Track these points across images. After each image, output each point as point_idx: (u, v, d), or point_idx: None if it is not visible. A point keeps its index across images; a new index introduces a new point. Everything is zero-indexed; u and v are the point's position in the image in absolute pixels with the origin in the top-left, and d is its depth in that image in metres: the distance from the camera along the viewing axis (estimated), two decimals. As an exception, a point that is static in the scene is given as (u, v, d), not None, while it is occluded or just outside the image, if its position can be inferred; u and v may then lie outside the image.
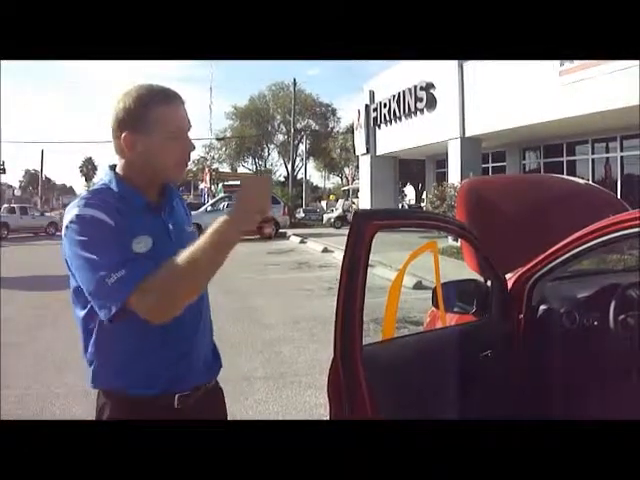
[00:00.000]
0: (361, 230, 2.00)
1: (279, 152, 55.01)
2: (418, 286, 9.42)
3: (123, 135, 1.63)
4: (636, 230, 2.18)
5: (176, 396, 1.68)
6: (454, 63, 18.63)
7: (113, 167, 1.72)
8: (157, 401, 1.65)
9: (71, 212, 1.58)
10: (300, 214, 35.34)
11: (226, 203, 24.99)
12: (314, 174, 78.84)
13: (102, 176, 1.76)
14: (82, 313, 1.64)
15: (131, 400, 1.65)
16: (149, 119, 1.61)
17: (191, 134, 1.70)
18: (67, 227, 1.57)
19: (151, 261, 1.54)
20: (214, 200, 27.82)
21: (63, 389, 5.05)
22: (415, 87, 21.18)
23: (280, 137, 54.39)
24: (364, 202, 26.76)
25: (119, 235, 1.55)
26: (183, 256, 1.48)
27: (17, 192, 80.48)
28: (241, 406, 4.67)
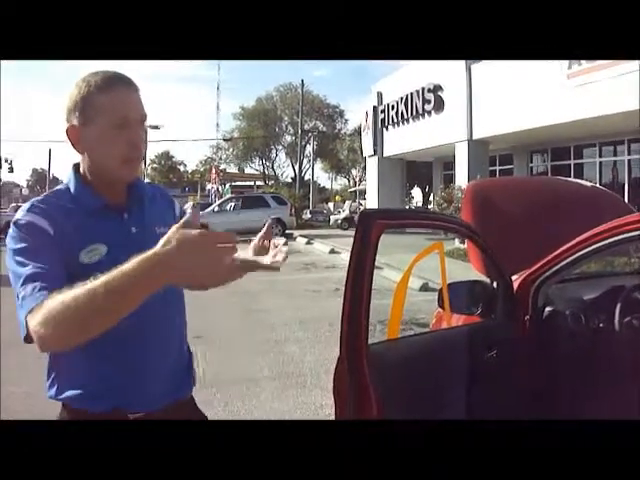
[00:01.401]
0: (367, 229, 2.00)
1: (286, 153, 55.14)
2: (425, 288, 9.43)
3: (67, 127, 1.51)
4: (642, 232, 2.19)
5: (129, 416, 1.54)
6: (462, 65, 18.61)
7: (76, 165, 1.58)
8: (109, 417, 1.50)
9: (15, 216, 1.48)
10: (307, 215, 35.35)
11: (233, 204, 25.03)
12: (321, 175, 79.09)
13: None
14: None
15: (77, 413, 1.53)
16: (91, 108, 1.47)
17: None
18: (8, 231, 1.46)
19: (60, 280, 1.31)
20: (221, 200, 27.92)
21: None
22: (423, 89, 21.17)
23: (287, 138, 54.57)
24: (371, 204, 26.71)
25: (53, 245, 1.40)
26: (85, 287, 1.18)
27: (25, 191, 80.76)
28: (247, 406, 4.68)
